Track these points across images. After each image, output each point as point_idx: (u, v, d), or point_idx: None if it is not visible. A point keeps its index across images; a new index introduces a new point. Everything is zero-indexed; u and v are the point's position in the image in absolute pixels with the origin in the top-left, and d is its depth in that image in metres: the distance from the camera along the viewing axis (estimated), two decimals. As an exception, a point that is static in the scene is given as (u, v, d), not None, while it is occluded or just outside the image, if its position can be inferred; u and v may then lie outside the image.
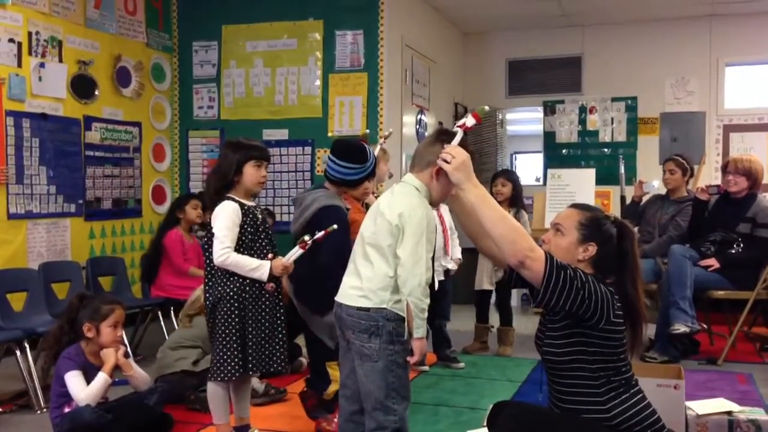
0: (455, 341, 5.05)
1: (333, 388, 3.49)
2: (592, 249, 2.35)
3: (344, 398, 2.69)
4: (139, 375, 3.55)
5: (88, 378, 3.30)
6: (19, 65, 5.02)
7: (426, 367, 4.73)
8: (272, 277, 3.16)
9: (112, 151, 5.91)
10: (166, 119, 6.60)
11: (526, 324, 5.80)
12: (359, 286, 2.55)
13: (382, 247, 2.52)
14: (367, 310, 2.51)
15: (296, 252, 3.19)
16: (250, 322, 3.14)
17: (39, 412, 3.91)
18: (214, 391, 3.20)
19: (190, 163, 6.68)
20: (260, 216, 3.25)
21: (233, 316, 3.11)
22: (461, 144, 2.48)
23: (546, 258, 2.18)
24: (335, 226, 3.14)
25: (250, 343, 3.13)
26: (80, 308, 3.42)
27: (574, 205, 2.49)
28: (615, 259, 2.37)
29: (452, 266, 4.87)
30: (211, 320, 3.20)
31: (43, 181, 5.23)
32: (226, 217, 3.12)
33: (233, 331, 3.11)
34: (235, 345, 3.11)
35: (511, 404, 2.65)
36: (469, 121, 2.47)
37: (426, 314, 2.49)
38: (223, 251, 3.08)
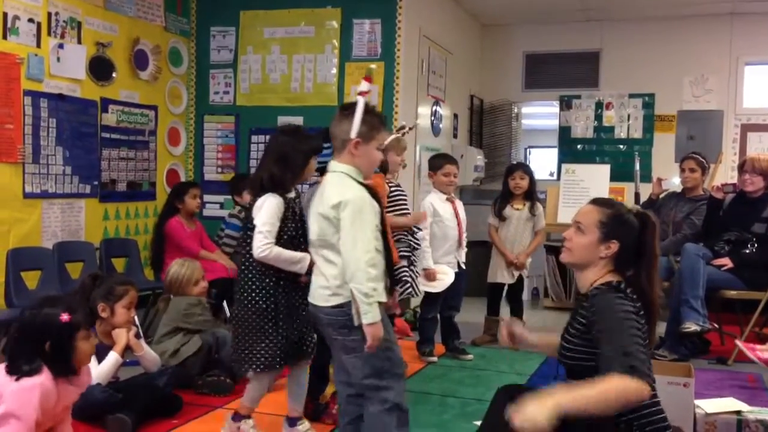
0: (464, 333, 5.05)
1: (331, 389, 3.51)
2: (614, 246, 2.30)
3: (340, 383, 2.74)
4: (150, 356, 3.59)
5: (99, 357, 3.34)
6: (38, 45, 5.03)
7: (435, 358, 4.74)
8: (308, 270, 3.12)
9: (127, 133, 5.93)
10: (182, 103, 6.61)
11: (536, 318, 5.79)
12: (327, 286, 2.58)
13: (332, 244, 2.55)
14: (341, 306, 2.55)
15: None
16: (283, 312, 3.09)
17: (50, 389, 3.93)
18: (257, 379, 3.19)
19: (204, 148, 6.69)
20: (299, 209, 3.19)
21: (270, 309, 3.08)
22: (365, 109, 2.51)
23: (646, 383, 2.06)
24: None
25: (286, 335, 3.09)
26: (93, 288, 3.46)
27: (595, 201, 2.41)
28: (635, 251, 2.31)
29: (463, 259, 4.87)
30: (244, 311, 3.11)
31: (59, 161, 5.26)
32: (270, 213, 3.06)
33: (271, 323, 3.07)
34: (272, 337, 3.07)
35: (512, 386, 2.64)
36: (363, 86, 2.54)
37: (373, 299, 2.45)
38: (265, 246, 3.03)
